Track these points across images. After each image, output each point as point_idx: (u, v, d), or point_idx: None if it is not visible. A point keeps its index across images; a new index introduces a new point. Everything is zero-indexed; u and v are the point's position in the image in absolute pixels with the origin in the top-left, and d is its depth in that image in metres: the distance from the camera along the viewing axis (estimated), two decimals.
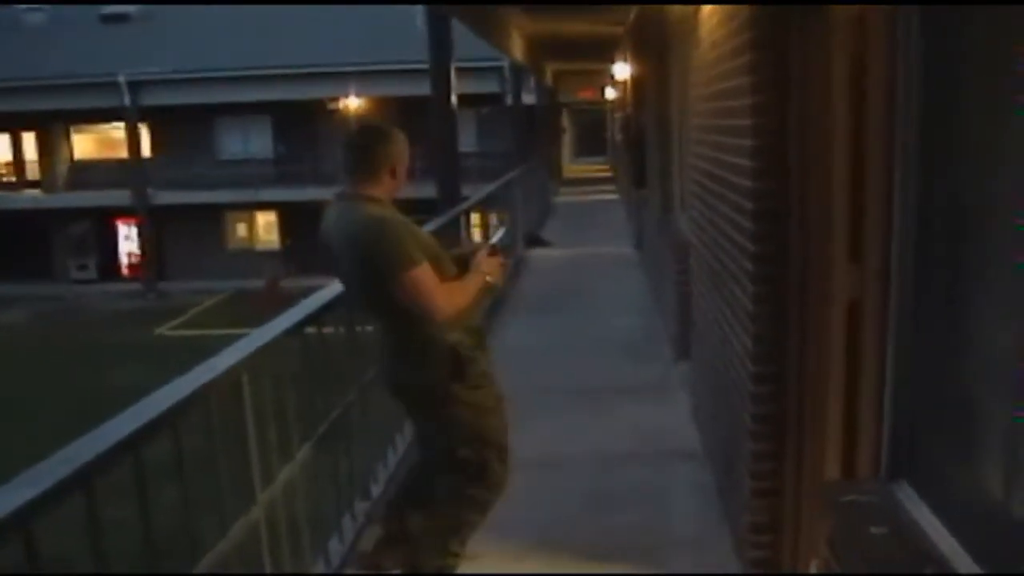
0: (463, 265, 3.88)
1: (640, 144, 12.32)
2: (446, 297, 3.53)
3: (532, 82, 24.73)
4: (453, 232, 7.91)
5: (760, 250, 3.70)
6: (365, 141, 3.74)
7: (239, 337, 3.40)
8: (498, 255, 3.93)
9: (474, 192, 10.96)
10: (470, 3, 9.44)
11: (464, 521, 3.78)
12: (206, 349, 3.34)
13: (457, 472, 3.75)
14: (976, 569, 2.35)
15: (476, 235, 4.07)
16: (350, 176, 3.70)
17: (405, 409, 3.99)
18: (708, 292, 5.04)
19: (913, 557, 2.53)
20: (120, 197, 29.65)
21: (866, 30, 3.09)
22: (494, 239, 4.19)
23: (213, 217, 31.23)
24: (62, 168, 32.69)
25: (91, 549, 2.23)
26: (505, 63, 22.22)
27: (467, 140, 24.82)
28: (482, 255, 3.85)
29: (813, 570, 3.37)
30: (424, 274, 3.47)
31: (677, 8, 5.98)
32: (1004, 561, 2.28)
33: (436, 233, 6.15)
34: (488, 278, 3.79)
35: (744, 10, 3.79)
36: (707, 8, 4.90)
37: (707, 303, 5.11)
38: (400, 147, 3.72)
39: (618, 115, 22.04)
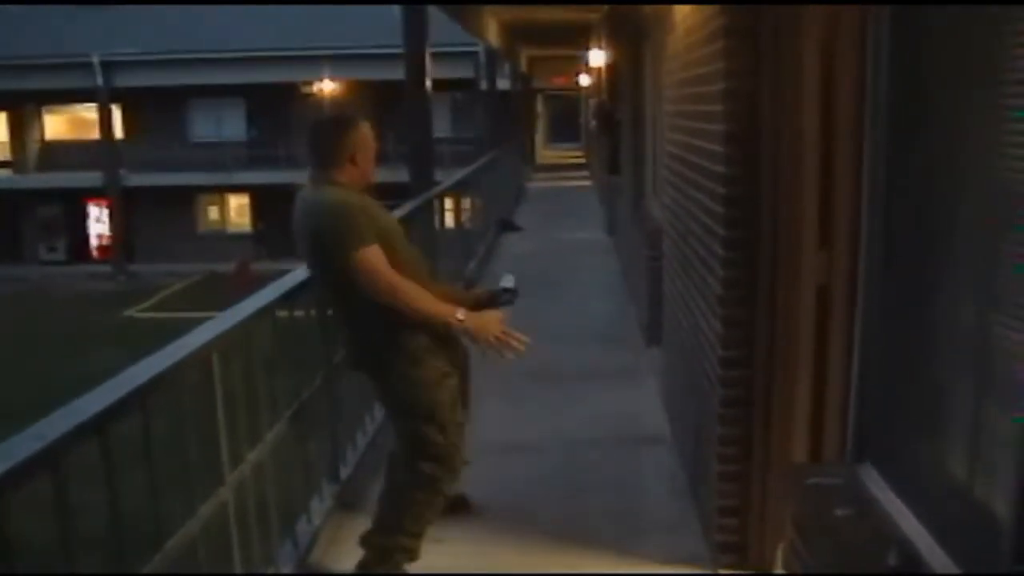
0: (479, 304, 4.00)
1: (614, 130, 12.33)
2: (400, 285, 3.55)
3: (507, 68, 24.70)
4: (425, 216, 7.89)
5: (731, 235, 3.72)
6: (323, 130, 3.82)
7: (209, 320, 3.39)
8: (501, 323, 3.81)
9: (447, 177, 10.94)
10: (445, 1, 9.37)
11: (415, 498, 3.77)
12: (176, 331, 3.32)
13: (403, 445, 3.82)
14: (937, 550, 2.39)
15: (510, 280, 4.04)
16: (313, 165, 3.79)
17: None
18: (679, 277, 5.06)
19: (876, 538, 2.57)
20: (92, 179, 29.38)
21: (838, 21, 3.12)
22: (504, 284, 4.13)
23: (185, 199, 31.05)
24: (33, 149, 32.32)
25: (58, 528, 2.21)
26: (480, 48, 22.16)
27: (441, 125, 24.73)
28: (493, 314, 3.85)
29: (780, 553, 3.41)
30: (373, 254, 3.52)
31: None
32: (965, 542, 2.32)
33: (407, 217, 6.16)
34: (462, 321, 3.69)
35: None
36: None
37: (678, 288, 5.13)
38: (359, 135, 3.76)
39: (592, 101, 22.04)
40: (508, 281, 4.16)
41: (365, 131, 3.78)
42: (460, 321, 3.67)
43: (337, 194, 3.64)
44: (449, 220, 10.11)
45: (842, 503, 2.79)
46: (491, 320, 3.77)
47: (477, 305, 4.05)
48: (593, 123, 19.71)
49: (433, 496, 3.79)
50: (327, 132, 3.79)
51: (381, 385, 3.86)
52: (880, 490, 2.79)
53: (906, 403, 2.79)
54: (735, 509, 3.83)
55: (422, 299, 3.62)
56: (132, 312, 24.59)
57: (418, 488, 3.76)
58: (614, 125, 12.36)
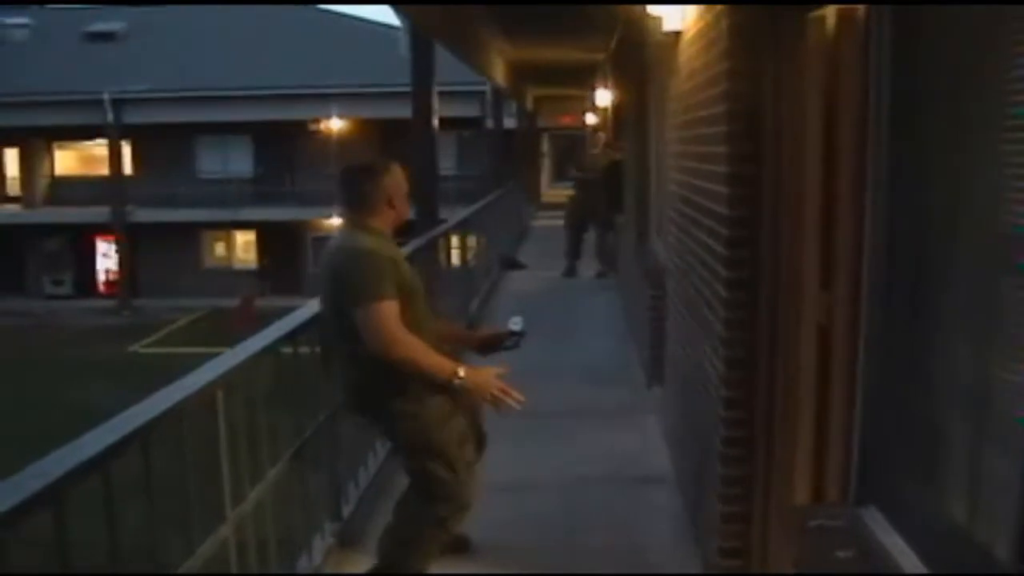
0: (485, 345, 4.14)
1: (617, 170, 12.36)
2: (403, 340, 3.57)
3: (513, 107, 24.82)
4: (430, 254, 7.92)
5: (733, 276, 3.73)
6: (359, 178, 3.88)
7: (213, 356, 3.40)
8: (499, 379, 3.78)
9: (452, 214, 10.98)
10: (428, 2, 9.31)
11: (424, 537, 3.79)
12: (179, 367, 3.34)
13: (412, 483, 3.85)
14: None
15: (517, 323, 4.07)
16: (347, 209, 3.87)
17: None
18: (682, 317, 5.07)
19: None
20: (100, 214, 29.48)
21: (839, 65, 3.14)
22: (512, 327, 4.16)
23: (191, 235, 31.11)
24: (42, 184, 32.51)
25: (59, 565, 2.21)
26: (487, 87, 22.30)
27: (447, 163, 24.89)
28: (491, 371, 3.83)
29: None
30: (388, 309, 3.56)
31: (657, 35, 6.02)
32: None
33: (412, 256, 6.19)
34: (462, 379, 3.69)
35: (722, 40, 3.84)
36: (686, 36, 4.96)
37: (681, 328, 5.14)
38: (394, 179, 3.85)
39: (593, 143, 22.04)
40: (516, 324, 4.17)
41: (399, 174, 3.89)
42: (460, 379, 3.68)
43: (370, 242, 3.71)
44: (453, 257, 10.14)
45: (844, 545, 2.77)
46: (489, 377, 3.79)
47: (482, 346, 4.11)
48: (574, 172, 16.77)
49: (442, 535, 3.82)
50: (363, 179, 3.85)
51: (387, 427, 3.90)
52: (883, 532, 2.77)
53: (909, 445, 2.78)
54: (737, 550, 3.81)
55: (425, 359, 3.64)
56: (137, 347, 24.60)
57: (429, 528, 3.78)
58: (618, 165, 12.37)
